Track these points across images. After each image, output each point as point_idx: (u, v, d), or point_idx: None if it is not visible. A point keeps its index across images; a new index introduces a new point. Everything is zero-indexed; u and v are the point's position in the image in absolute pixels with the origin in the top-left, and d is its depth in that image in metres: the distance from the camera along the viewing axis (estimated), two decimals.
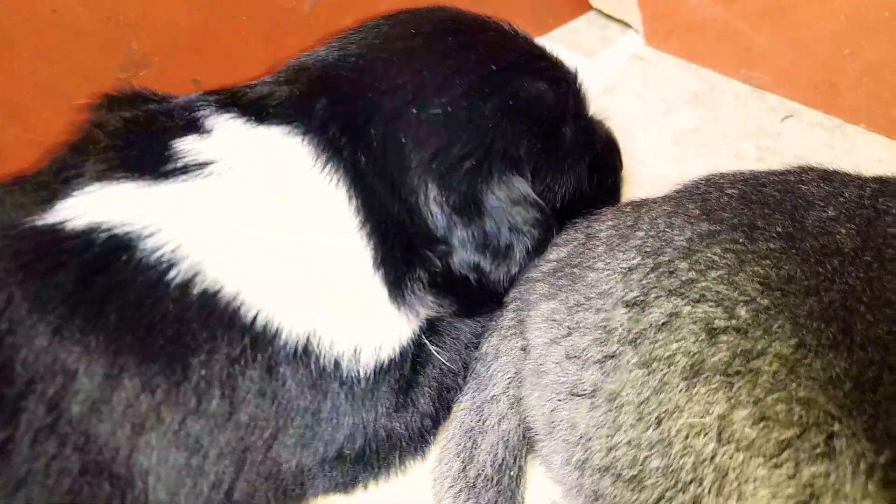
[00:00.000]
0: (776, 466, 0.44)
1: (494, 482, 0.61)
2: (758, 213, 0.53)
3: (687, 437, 0.47)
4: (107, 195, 0.50)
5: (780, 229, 0.51)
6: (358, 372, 0.55)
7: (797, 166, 0.61)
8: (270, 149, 0.55)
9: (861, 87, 0.92)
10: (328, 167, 0.54)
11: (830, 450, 0.44)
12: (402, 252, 0.56)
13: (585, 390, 0.53)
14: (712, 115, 0.97)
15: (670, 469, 0.47)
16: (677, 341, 0.49)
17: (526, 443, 0.64)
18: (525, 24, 0.67)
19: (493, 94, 0.58)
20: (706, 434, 0.46)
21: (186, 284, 0.48)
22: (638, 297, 0.52)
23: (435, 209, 0.56)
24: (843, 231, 0.51)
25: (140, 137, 0.54)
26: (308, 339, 0.52)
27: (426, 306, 0.59)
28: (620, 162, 0.74)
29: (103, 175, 0.51)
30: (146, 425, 0.47)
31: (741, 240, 0.51)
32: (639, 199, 0.65)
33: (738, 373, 0.46)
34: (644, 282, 0.53)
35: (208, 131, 0.55)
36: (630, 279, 0.54)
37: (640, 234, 0.56)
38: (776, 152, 0.91)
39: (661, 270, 0.52)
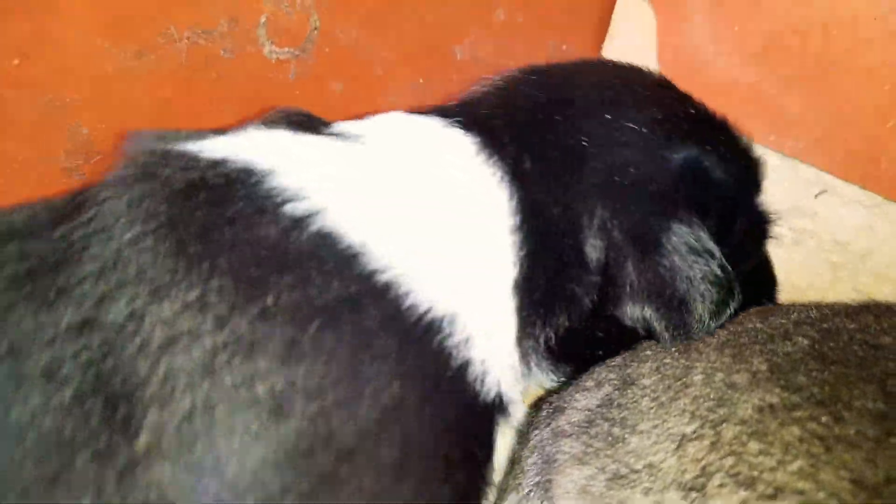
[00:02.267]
0: None
1: None
2: (841, 380, 0.44)
3: None
4: (252, 139, 0.52)
5: (870, 405, 0.42)
6: None
7: (873, 302, 0.52)
8: (426, 133, 0.56)
9: None
10: (490, 161, 0.54)
11: None
12: (546, 280, 0.52)
13: None
14: None
15: None
16: None
17: None
18: None
19: (688, 137, 0.56)
20: None
21: (302, 220, 0.46)
22: (697, 478, 0.43)
23: (596, 241, 0.53)
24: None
25: (303, 117, 0.57)
26: (424, 310, 0.46)
27: (541, 369, 0.55)
28: (772, 275, 0.69)
29: (258, 127, 0.54)
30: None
31: (824, 419, 0.42)
32: None
33: None
34: (704, 461, 0.43)
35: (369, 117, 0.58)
36: (685, 453, 0.44)
37: (693, 390, 0.47)
38: (814, 235, 0.83)
39: (725, 450, 0.43)
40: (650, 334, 0.54)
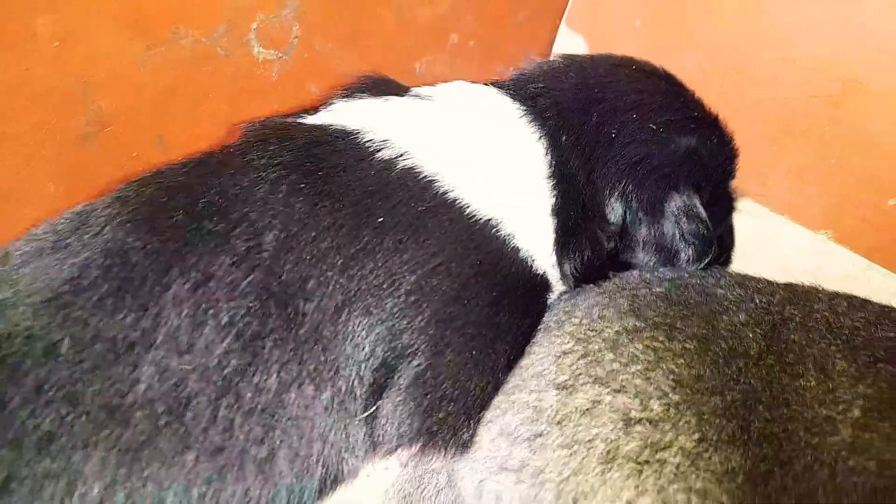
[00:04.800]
0: None
1: None
2: (678, 315, 0.58)
3: None
4: (347, 107, 0.71)
5: (695, 330, 0.57)
6: None
7: (714, 269, 0.67)
8: (483, 97, 0.74)
9: (786, 182, 1.01)
10: (531, 125, 0.71)
11: None
12: (574, 212, 0.70)
13: (513, 465, 0.57)
14: None
15: None
16: (597, 427, 0.54)
17: None
18: None
19: (689, 134, 0.74)
20: None
21: (391, 161, 0.64)
22: (567, 380, 0.57)
23: (616, 204, 0.71)
24: (751, 335, 0.57)
25: (385, 81, 0.77)
26: (481, 214, 0.65)
27: (565, 279, 0.71)
28: (733, 240, 0.86)
29: (347, 96, 0.73)
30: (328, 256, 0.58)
31: (661, 338, 0.56)
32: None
33: (647, 462, 0.51)
34: (574, 366, 0.57)
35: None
36: (562, 363, 0.58)
37: (575, 320, 0.61)
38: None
39: (589, 358, 0.57)
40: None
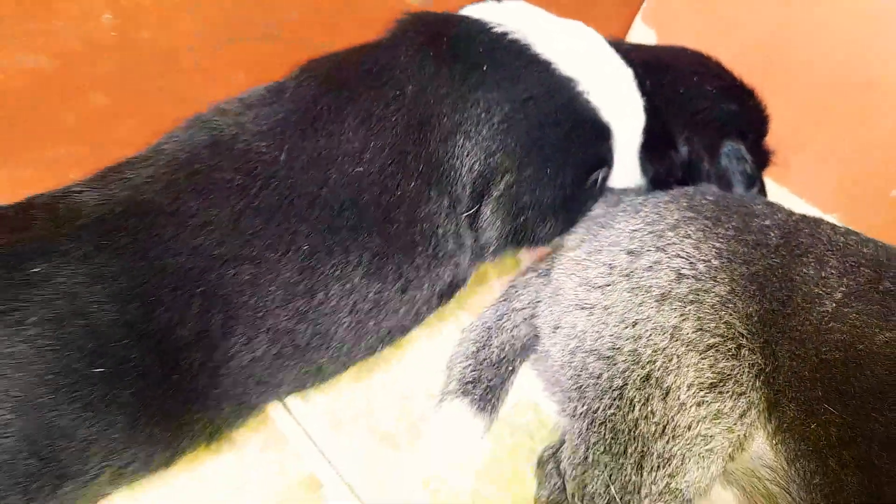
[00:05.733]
0: (703, 358, 0.70)
1: (495, 366, 0.87)
2: (722, 212, 0.80)
3: (651, 334, 0.73)
4: (474, 7, 0.94)
5: (734, 223, 0.79)
6: None
7: (752, 193, 0.89)
8: (587, 30, 0.96)
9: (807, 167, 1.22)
10: (626, 65, 0.95)
11: (737, 354, 0.70)
12: (655, 140, 0.95)
13: (588, 304, 0.79)
14: None
15: (636, 352, 0.73)
16: (656, 278, 0.76)
17: (524, 353, 0.89)
18: None
19: (735, 98, 0.98)
20: (664, 333, 0.72)
21: (501, 34, 0.86)
22: (636, 248, 0.79)
23: (682, 146, 0.96)
24: (772, 233, 0.78)
25: None
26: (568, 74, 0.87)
27: (645, 171, 0.98)
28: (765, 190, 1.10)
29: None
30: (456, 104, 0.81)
31: (709, 224, 0.78)
32: None
33: (691, 301, 0.73)
34: (642, 239, 0.79)
35: None
36: (633, 236, 0.80)
37: (646, 210, 0.83)
38: None
39: (654, 233, 0.79)
40: None
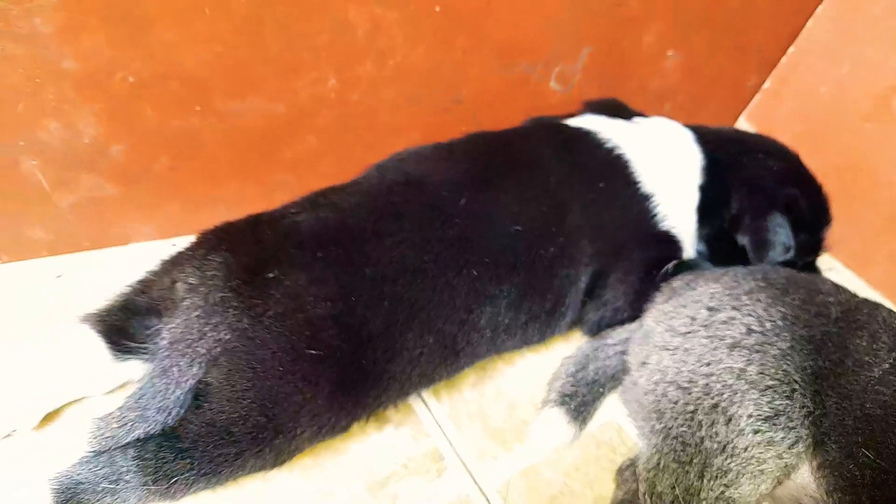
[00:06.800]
0: (762, 395, 0.88)
1: (588, 385, 1.06)
2: (791, 286, 0.98)
3: (721, 373, 0.91)
4: (589, 119, 1.18)
5: (800, 295, 0.97)
6: None
7: (819, 275, 1.06)
8: (677, 131, 1.20)
9: (886, 266, 1.38)
10: (699, 149, 1.17)
11: (791, 396, 0.88)
12: (712, 200, 1.15)
13: (672, 346, 0.98)
14: None
15: (708, 385, 0.91)
16: (729, 330, 0.94)
17: (613, 382, 1.09)
18: None
19: (792, 181, 1.17)
20: (731, 374, 0.90)
21: (612, 151, 1.10)
22: (715, 305, 0.98)
23: (735, 203, 1.15)
24: (833, 308, 0.96)
25: (615, 103, 1.27)
26: (651, 196, 1.11)
27: (698, 236, 1.19)
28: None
29: (591, 111, 1.22)
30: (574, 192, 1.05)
31: (778, 293, 0.97)
32: None
33: (756, 350, 0.91)
34: (721, 299, 0.98)
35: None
36: (713, 296, 0.99)
37: (726, 278, 1.02)
38: None
39: (731, 295, 0.98)
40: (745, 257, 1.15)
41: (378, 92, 1.13)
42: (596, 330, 1.11)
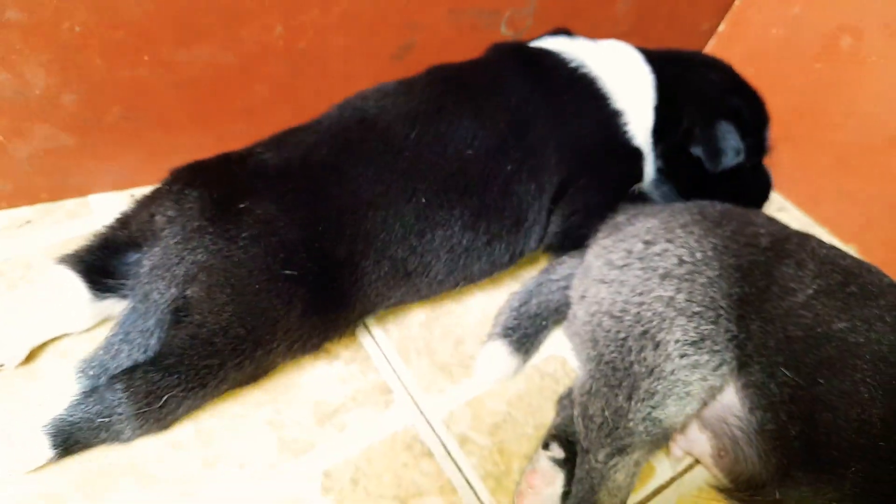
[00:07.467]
0: (689, 321, 0.92)
1: (531, 318, 1.10)
2: (724, 218, 1.02)
3: (652, 302, 0.95)
4: (551, 40, 1.22)
5: (732, 227, 1.00)
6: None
7: (755, 210, 1.10)
8: (628, 51, 1.22)
9: (836, 205, 1.41)
10: (650, 70, 1.20)
11: (716, 321, 0.92)
12: (665, 118, 1.18)
13: (609, 279, 1.02)
14: None
15: (639, 314, 0.95)
16: (662, 261, 0.98)
17: (556, 315, 1.13)
18: None
19: (735, 92, 1.21)
20: (661, 302, 0.94)
21: (578, 69, 1.14)
22: (650, 238, 1.01)
23: (686, 118, 1.18)
24: (762, 239, 0.99)
25: (567, 30, 1.28)
26: (622, 113, 1.15)
27: (655, 154, 1.21)
28: (768, 180, 1.31)
29: (552, 35, 1.26)
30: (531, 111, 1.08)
31: (711, 226, 1.00)
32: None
33: (686, 279, 0.95)
34: (656, 232, 1.02)
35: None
36: (650, 231, 1.03)
37: (664, 213, 1.06)
38: None
39: (666, 228, 1.01)
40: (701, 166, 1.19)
41: (326, 39, 1.15)
42: (560, 242, 1.15)
